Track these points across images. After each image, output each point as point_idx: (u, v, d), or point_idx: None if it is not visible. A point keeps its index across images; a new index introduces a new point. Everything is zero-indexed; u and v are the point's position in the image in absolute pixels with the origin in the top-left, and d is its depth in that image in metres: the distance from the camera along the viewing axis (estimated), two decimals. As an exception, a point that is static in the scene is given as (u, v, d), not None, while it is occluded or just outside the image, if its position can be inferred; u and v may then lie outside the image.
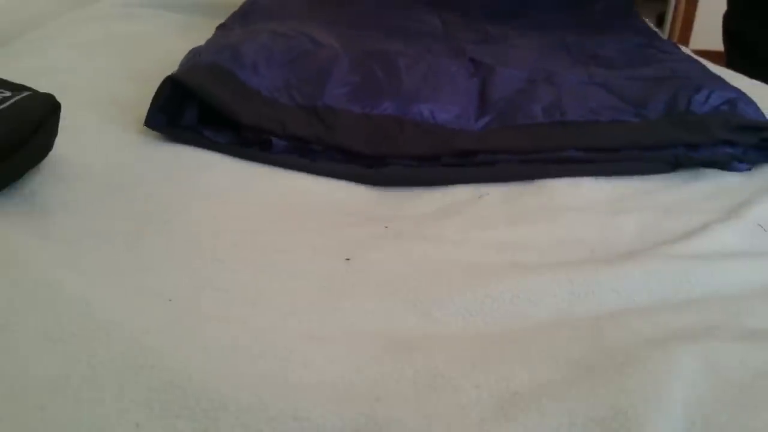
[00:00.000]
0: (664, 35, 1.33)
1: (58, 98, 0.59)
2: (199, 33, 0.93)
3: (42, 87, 0.61)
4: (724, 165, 0.70)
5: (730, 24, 1.47)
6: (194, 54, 0.78)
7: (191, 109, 0.71)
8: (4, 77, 0.61)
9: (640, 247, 0.56)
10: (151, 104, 0.69)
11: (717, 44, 1.49)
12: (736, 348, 0.44)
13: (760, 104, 0.76)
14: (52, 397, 0.38)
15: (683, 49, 1.03)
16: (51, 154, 0.59)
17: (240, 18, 0.96)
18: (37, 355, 0.40)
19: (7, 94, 0.57)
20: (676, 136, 0.70)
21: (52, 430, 0.36)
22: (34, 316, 0.43)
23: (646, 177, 0.70)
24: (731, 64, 1.47)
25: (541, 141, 0.70)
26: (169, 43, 0.81)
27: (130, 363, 0.40)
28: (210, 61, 0.74)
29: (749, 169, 0.72)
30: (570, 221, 0.61)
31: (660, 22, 2.22)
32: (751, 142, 0.71)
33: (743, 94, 0.75)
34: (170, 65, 0.78)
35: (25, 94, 0.58)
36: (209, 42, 0.83)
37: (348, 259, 0.54)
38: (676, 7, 2.18)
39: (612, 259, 0.54)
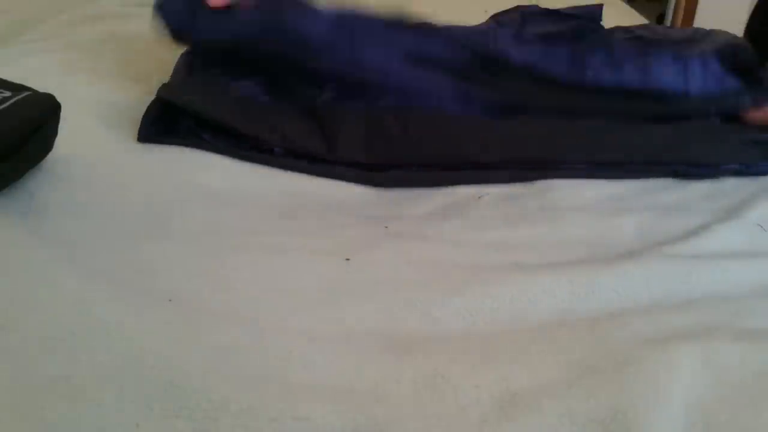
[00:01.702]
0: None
1: (58, 98, 0.59)
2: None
3: (42, 87, 0.61)
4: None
5: (754, 23, 1.48)
6: (185, 62, 0.76)
7: (187, 119, 0.71)
8: (4, 77, 0.61)
9: (640, 247, 0.56)
10: (142, 122, 0.69)
11: (717, 44, 1.49)
12: (736, 348, 0.44)
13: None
14: (53, 398, 0.38)
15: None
16: (51, 154, 0.59)
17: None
18: (37, 355, 0.40)
19: (7, 94, 0.57)
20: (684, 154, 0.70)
21: (52, 430, 0.36)
22: (34, 316, 0.43)
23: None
24: None
25: (545, 150, 0.69)
26: (169, 43, 0.81)
27: (130, 363, 0.40)
28: (201, 72, 0.73)
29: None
30: (570, 221, 0.61)
31: (660, 22, 2.22)
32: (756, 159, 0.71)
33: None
34: (170, 65, 0.78)
35: (25, 94, 0.58)
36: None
37: (348, 259, 0.54)
38: (676, 7, 2.18)
39: (612, 259, 0.54)
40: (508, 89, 0.70)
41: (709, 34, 0.86)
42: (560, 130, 0.70)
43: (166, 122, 0.70)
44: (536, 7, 0.91)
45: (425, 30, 0.73)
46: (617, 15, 1.14)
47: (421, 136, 0.70)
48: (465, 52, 0.71)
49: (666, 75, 0.70)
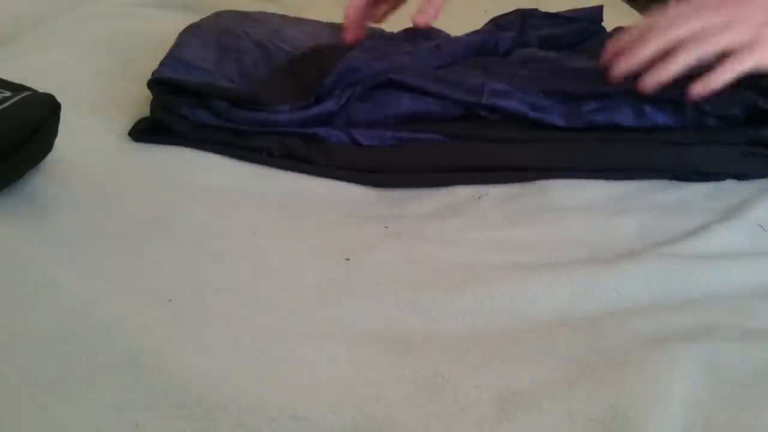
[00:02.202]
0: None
1: (58, 98, 0.59)
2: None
3: (42, 87, 0.61)
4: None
5: None
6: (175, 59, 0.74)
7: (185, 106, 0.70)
8: (4, 77, 0.61)
9: (640, 247, 0.56)
10: (133, 127, 0.69)
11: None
12: (736, 348, 0.44)
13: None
14: (52, 397, 0.38)
15: None
16: (51, 154, 0.59)
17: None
18: (37, 355, 0.40)
19: (7, 94, 0.57)
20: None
21: (52, 430, 0.36)
22: (34, 315, 0.43)
23: (646, 177, 0.70)
24: None
25: (545, 159, 0.69)
26: (169, 43, 0.81)
27: (130, 363, 0.40)
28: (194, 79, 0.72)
29: None
30: (570, 221, 0.61)
31: (660, 22, 2.22)
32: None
33: None
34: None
35: (25, 94, 0.58)
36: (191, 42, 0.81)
37: (348, 259, 0.54)
38: (676, 8, 2.18)
39: (612, 259, 0.54)
40: (499, 135, 0.70)
41: None
42: (560, 140, 0.70)
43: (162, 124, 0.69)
44: (537, 10, 0.90)
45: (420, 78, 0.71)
46: (617, 15, 1.14)
47: (419, 152, 0.70)
48: (456, 107, 0.70)
49: (661, 117, 0.69)
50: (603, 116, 0.70)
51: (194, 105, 0.69)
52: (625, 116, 0.70)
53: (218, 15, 0.88)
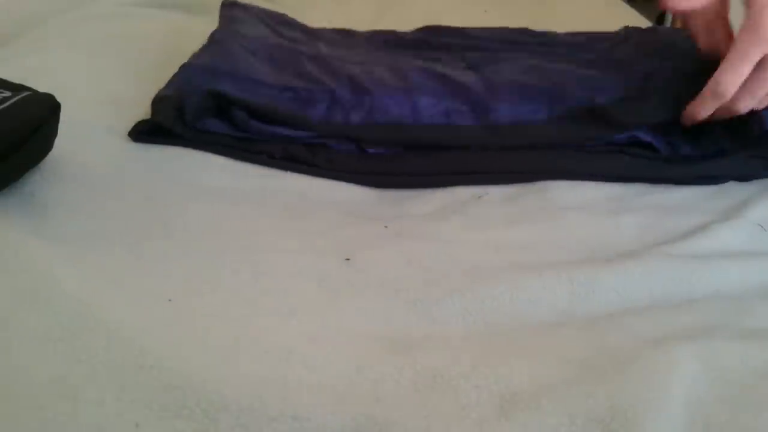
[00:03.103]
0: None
1: (58, 98, 0.59)
2: (199, 33, 0.93)
3: (42, 87, 0.61)
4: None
5: None
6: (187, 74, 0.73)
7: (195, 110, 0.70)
8: (4, 77, 0.61)
9: (640, 247, 0.56)
10: (134, 128, 0.68)
11: (717, 44, 1.49)
12: (736, 348, 0.44)
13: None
14: (52, 397, 0.38)
15: None
16: (51, 154, 0.59)
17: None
18: (37, 355, 0.40)
19: (7, 94, 0.57)
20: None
21: (51, 430, 0.36)
22: (34, 315, 0.43)
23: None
24: None
25: (545, 162, 0.69)
26: (169, 43, 0.81)
27: (130, 363, 0.40)
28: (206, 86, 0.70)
29: None
30: (570, 221, 0.61)
31: (660, 22, 2.22)
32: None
33: None
34: (170, 65, 0.78)
35: (25, 94, 0.58)
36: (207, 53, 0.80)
37: (348, 259, 0.54)
38: (676, 7, 2.18)
39: (612, 259, 0.54)
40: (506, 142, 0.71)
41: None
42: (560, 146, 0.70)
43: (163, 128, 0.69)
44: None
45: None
46: (617, 15, 1.14)
47: (422, 159, 0.70)
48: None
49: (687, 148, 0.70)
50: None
51: (210, 116, 0.69)
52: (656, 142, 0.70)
53: (234, 20, 0.87)
